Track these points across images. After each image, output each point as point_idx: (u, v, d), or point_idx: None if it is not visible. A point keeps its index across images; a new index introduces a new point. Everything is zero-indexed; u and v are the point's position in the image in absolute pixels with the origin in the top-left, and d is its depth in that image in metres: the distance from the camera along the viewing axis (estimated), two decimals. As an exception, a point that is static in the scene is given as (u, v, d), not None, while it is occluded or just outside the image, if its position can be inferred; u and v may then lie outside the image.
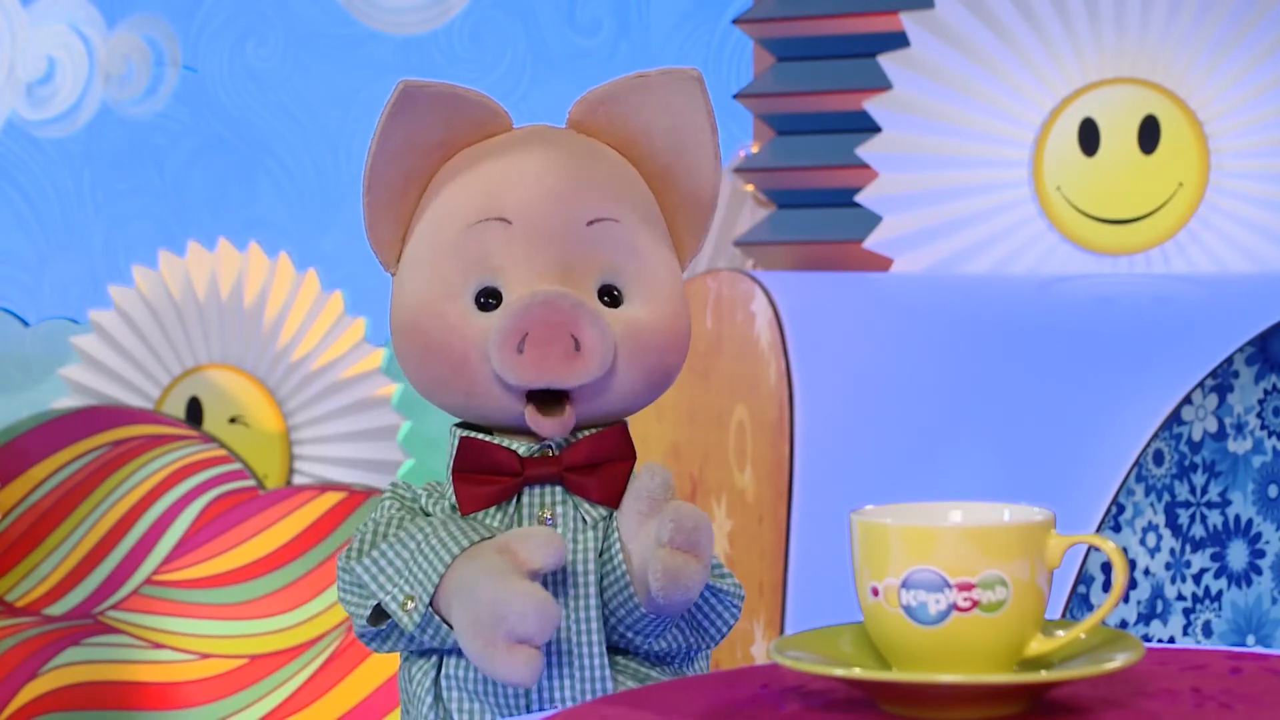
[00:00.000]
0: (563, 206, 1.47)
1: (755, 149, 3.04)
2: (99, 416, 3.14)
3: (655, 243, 1.51)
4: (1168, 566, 2.27)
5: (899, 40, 2.62)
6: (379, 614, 1.47)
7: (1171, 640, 2.28)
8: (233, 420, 3.39)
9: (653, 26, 3.92)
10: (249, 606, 2.98)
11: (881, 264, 2.64)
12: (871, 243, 2.63)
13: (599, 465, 1.48)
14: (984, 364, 2.40)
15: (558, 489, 1.48)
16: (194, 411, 3.40)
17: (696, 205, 1.55)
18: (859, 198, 2.63)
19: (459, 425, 1.52)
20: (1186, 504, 2.28)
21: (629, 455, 1.50)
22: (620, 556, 1.45)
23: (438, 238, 1.49)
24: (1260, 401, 2.31)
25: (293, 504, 3.02)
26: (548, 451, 1.48)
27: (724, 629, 1.51)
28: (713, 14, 3.89)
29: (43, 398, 3.55)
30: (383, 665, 2.92)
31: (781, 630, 2.40)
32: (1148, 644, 1.27)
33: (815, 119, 2.78)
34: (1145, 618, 2.26)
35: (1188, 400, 2.26)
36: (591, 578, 1.46)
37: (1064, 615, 2.19)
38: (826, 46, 2.77)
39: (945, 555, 1.17)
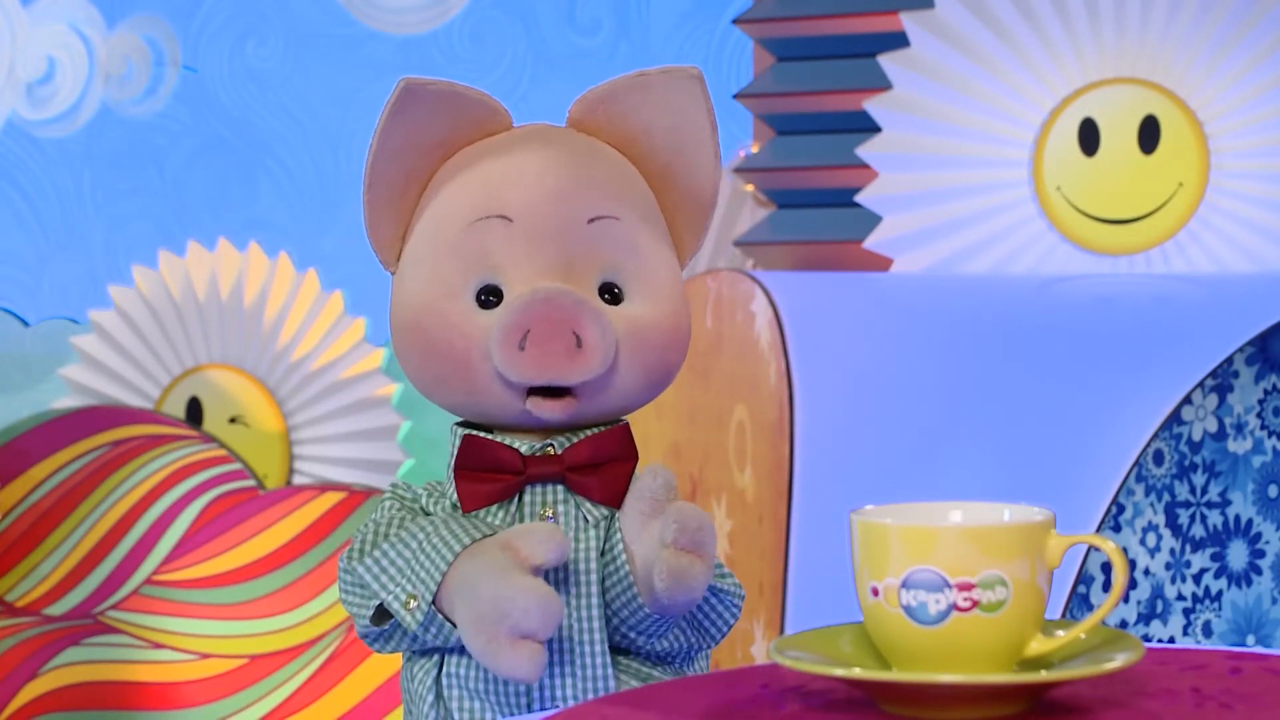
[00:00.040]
0: (563, 204, 1.47)
1: (755, 149, 3.04)
2: (99, 416, 3.14)
3: (655, 241, 1.51)
4: (1168, 566, 2.27)
5: (899, 40, 2.62)
6: (381, 614, 1.47)
7: (1171, 640, 2.28)
8: (233, 420, 3.39)
9: (653, 26, 3.92)
10: (249, 606, 2.98)
11: (881, 264, 2.64)
12: (871, 243, 2.63)
13: (601, 465, 1.48)
14: (984, 364, 2.40)
15: (559, 488, 1.48)
16: (194, 411, 3.40)
17: (696, 204, 1.55)
18: (859, 198, 2.63)
19: (460, 424, 1.52)
20: (1186, 504, 2.28)
21: (631, 456, 1.50)
22: (623, 557, 1.45)
23: (438, 236, 1.49)
24: (1260, 401, 2.31)
25: (293, 504, 3.02)
26: (549, 450, 1.48)
27: (725, 629, 1.51)
28: (713, 14, 3.89)
29: (43, 398, 3.55)
30: (383, 665, 2.92)
31: (781, 630, 2.40)
32: (1148, 644, 1.27)
33: (815, 119, 2.78)
34: (1145, 618, 2.26)
35: (1188, 400, 2.26)
36: (594, 576, 1.46)
37: (1064, 615, 2.19)
38: (826, 46, 2.77)
39: (945, 555, 1.17)
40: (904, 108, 2.61)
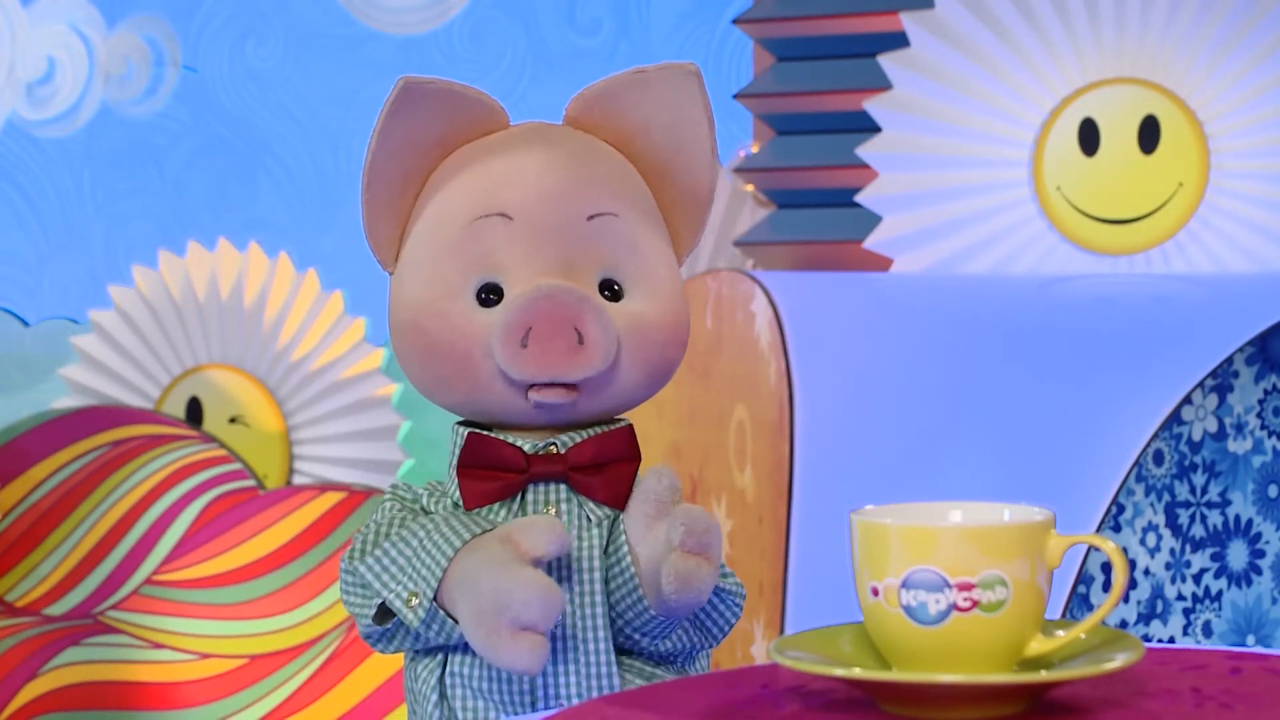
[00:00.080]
0: (562, 202, 1.48)
1: (755, 149, 3.04)
2: (99, 416, 3.14)
3: (654, 238, 1.51)
4: (1168, 566, 2.27)
5: (899, 40, 2.62)
6: (384, 613, 1.47)
7: (1171, 640, 2.28)
8: (233, 420, 3.39)
9: (653, 26, 3.92)
10: (249, 606, 2.98)
11: (881, 264, 2.64)
12: (871, 243, 2.63)
13: (604, 466, 1.48)
14: (984, 364, 2.40)
15: (562, 487, 1.48)
16: (194, 411, 3.40)
17: (694, 200, 1.55)
18: (859, 198, 2.63)
19: (461, 423, 1.52)
20: (1186, 504, 2.28)
21: (635, 457, 1.50)
22: (628, 559, 1.45)
23: (438, 235, 1.49)
24: (1260, 401, 2.31)
25: (293, 504, 3.02)
26: (553, 449, 1.48)
27: (726, 628, 1.51)
28: (713, 14, 3.89)
29: (43, 398, 3.55)
30: (383, 665, 2.92)
31: (781, 630, 2.40)
32: (1148, 644, 1.27)
33: (815, 119, 2.78)
34: (1145, 618, 2.26)
35: (1188, 400, 2.26)
36: (597, 575, 1.46)
37: (1064, 615, 2.19)
38: (826, 46, 2.77)
39: (945, 555, 1.17)
40: (904, 108, 2.61)
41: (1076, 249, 2.57)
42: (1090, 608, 2.21)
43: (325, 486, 3.04)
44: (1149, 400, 2.27)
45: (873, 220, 2.64)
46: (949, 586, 1.17)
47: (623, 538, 1.46)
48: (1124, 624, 2.25)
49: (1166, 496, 2.27)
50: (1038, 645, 1.20)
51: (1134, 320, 2.39)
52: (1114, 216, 2.57)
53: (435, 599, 1.43)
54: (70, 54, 4.02)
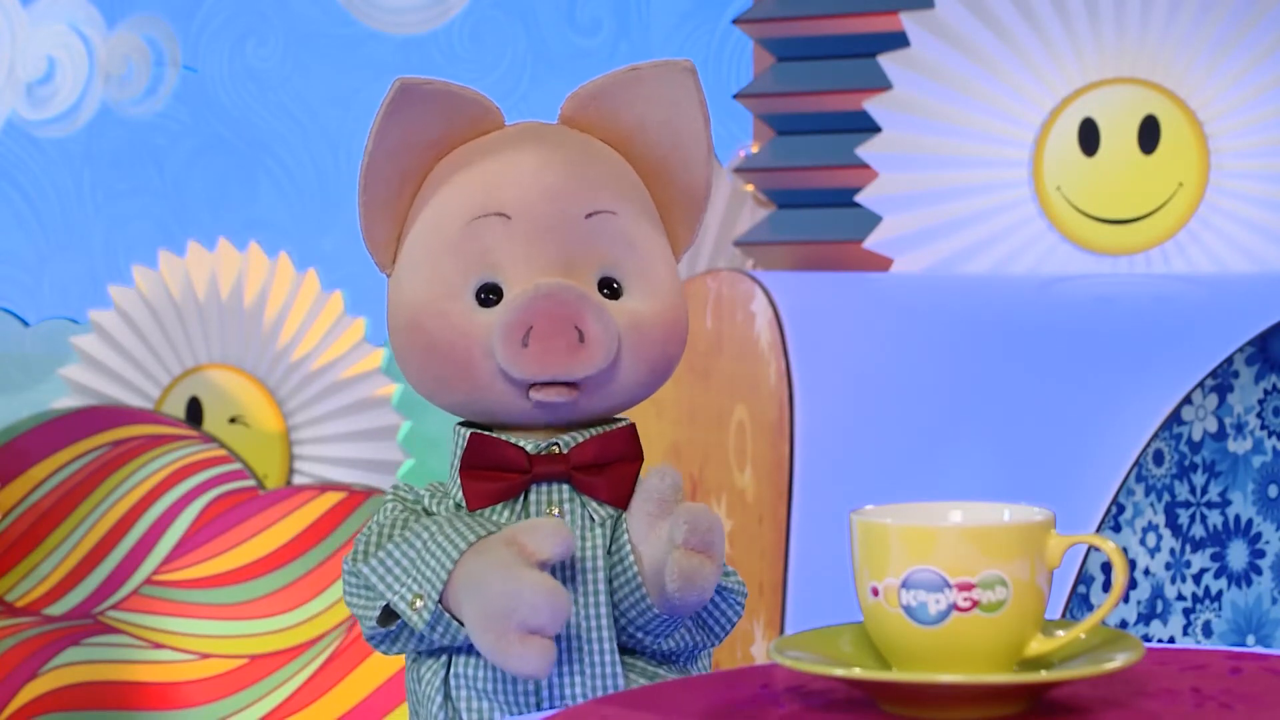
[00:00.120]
0: (561, 201, 1.48)
1: (755, 149, 3.04)
2: (99, 416, 3.14)
3: (652, 235, 1.51)
4: (1168, 566, 2.27)
5: (899, 40, 2.62)
6: (388, 615, 1.47)
7: (1171, 640, 2.28)
8: (233, 420, 3.39)
9: (653, 26, 3.92)
10: (249, 606, 2.98)
11: (881, 264, 2.64)
12: (871, 243, 2.63)
13: (607, 465, 1.48)
14: (984, 364, 2.40)
15: (565, 487, 1.48)
16: (194, 411, 3.40)
17: (690, 198, 1.55)
18: (859, 198, 2.63)
19: (463, 424, 1.52)
20: (1186, 504, 2.28)
21: (637, 456, 1.50)
22: (631, 558, 1.45)
23: (436, 236, 1.49)
24: (1260, 401, 2.31)
25: (293, 504, 3.02)
26: (555, 449, 1.48)
27: (729, 626, 1.51)
28: (713, 14, 3.89)
29: (43, 398, 3.55)
30: (383, 665, 2.92)
31: (781, 630, 2.40)
32: (1148, 644, 1.27)
33: (815, 119, 2.78)
34: (1145, 618, 2.26)
35: (1188, 400, 2.26)
36: (600, 574, 1.46)
37: (1064, 615, 2.19)
38: (826, 46, 2.77)
39: (945, 555, 1.17)
40: (904, 108, 2.61)
41: (1076, 249, 2.57)
42: (1090, 608, 2.21)
43: (325, 486, 3.04)
44: (1149, 400, 2.27)
45: (873, 220, 2.64)
46: (949, 586, 1.17)
47: (625, 537, 1.46)
48: (1124, 624, 2.25)
49: (1166, 496, 2.27)
50: (1038, 645, 1.20)
51: (1134, 320, 2.39)
52: (1114, 216, 2.57)
53: (440, 601, 1.42)
54: (70, 54, 4.02)
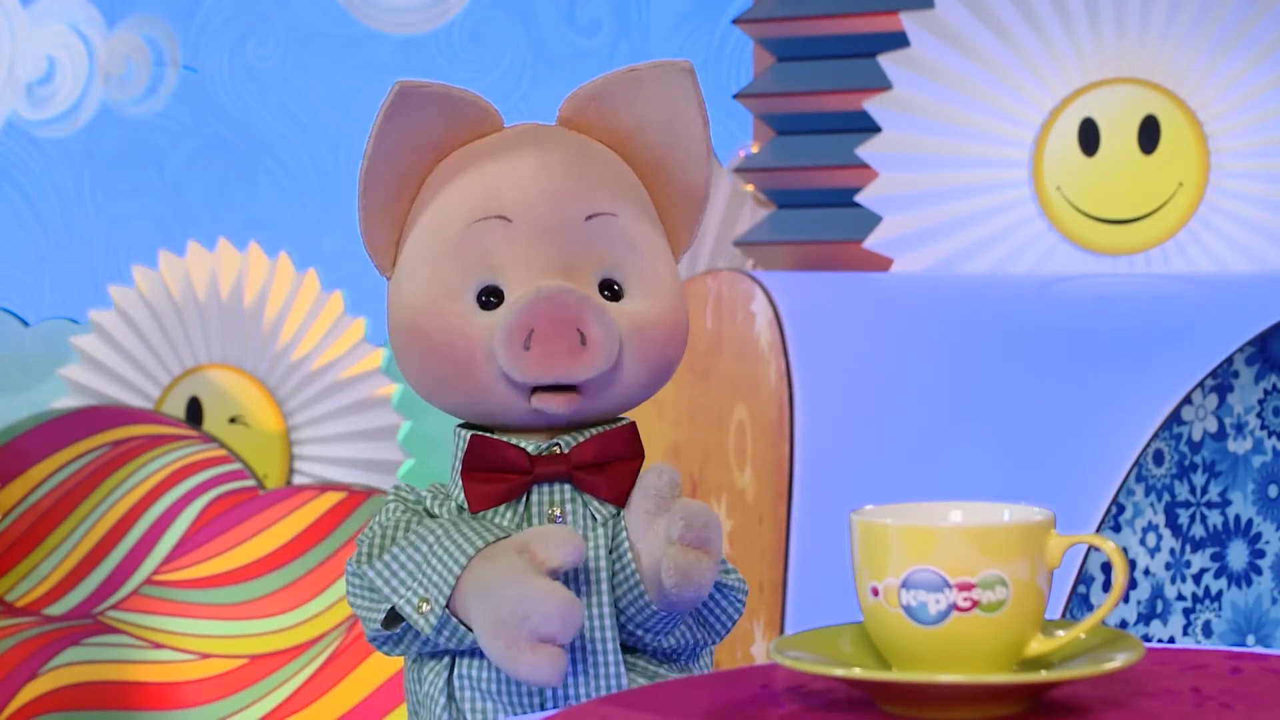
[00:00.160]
0: (561, 203, 1.48)
1: (755, 149, 3.04)
2: (99, 416, 3.14)
3: (652, 237, 1.51)
4: (1168, 566, 2.27)
5: (899, 40, 2.62)
6: (393, 617, 1.47)
7: (1171, 640, 2.28)
8: (233, 420, 3.39)
9: (653, 26, 3.92)
10: (249, 606, 2.98)
11: (881, 264, 2.64)
12: (871, 243, 2.63)
13: (607, 464, 1.48)
14: (984, 364, 2.40)
15: (566, 487, 1.48)
16: (194, 411, 3.40)
17: (689, 198, 1.55)
18: (859, 198, 2.63)
19: (463, 425, 1.52)
20: (1186, 504, 2.28)
21: (637, 454, 1.50)
22: (629, 555, 1.45)
23: (436, 238, 1.49)
24: (1260, 401, 2.31)
25: (293, 504, 3.02)
26: (556, 449, 1.48)
27: (729, 624, 1.51)
28: (713, 14, 3.89)
29: (43, 398, 3.55)
30: (383, 665, 2.92)
31: (781, 630, 2.40)
32: (1148, 644, 1.27)
33: (815, 119, 2.78)
34: (1145, 618, 2.26)
35: (1188, 400, 2.26)
36: (604, 575, 1.46)
37: (1064, 615, 2.19)
38: (826, 46, 2.77)
39: (945, 555, 1.17)
40: (904, 108, 2.61)
41: (1076, 249, 2.57)
42: (1090, 608, 2.21)
43: (325, 486, 3.04)
44: (1149, 400, 2.27)
45: (873, 220, 2.64)
46: (949, 586, 1.17)
47: (624, 534, 1.46)
48: (1124, 624, 2.25)
49: (1166, 496, 2.27)
50: (1038, 645, 1.20)
51: (1134, 320, 2.39)
52: (1114, 216, 2.57)
53: (448, 606, 1.42)
54: (70, 54, 4.02)
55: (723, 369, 2.59)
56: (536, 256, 1.47)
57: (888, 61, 2.60)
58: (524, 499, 1.48)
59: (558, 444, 1.48)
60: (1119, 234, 2.56)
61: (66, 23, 4.01)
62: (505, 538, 1.43)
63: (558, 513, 1.48)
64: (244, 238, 3.43)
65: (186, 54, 3.99)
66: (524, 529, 1.47)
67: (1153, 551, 2.26)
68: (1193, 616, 2.28)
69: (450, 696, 1.49)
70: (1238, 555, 2.30)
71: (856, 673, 1.19)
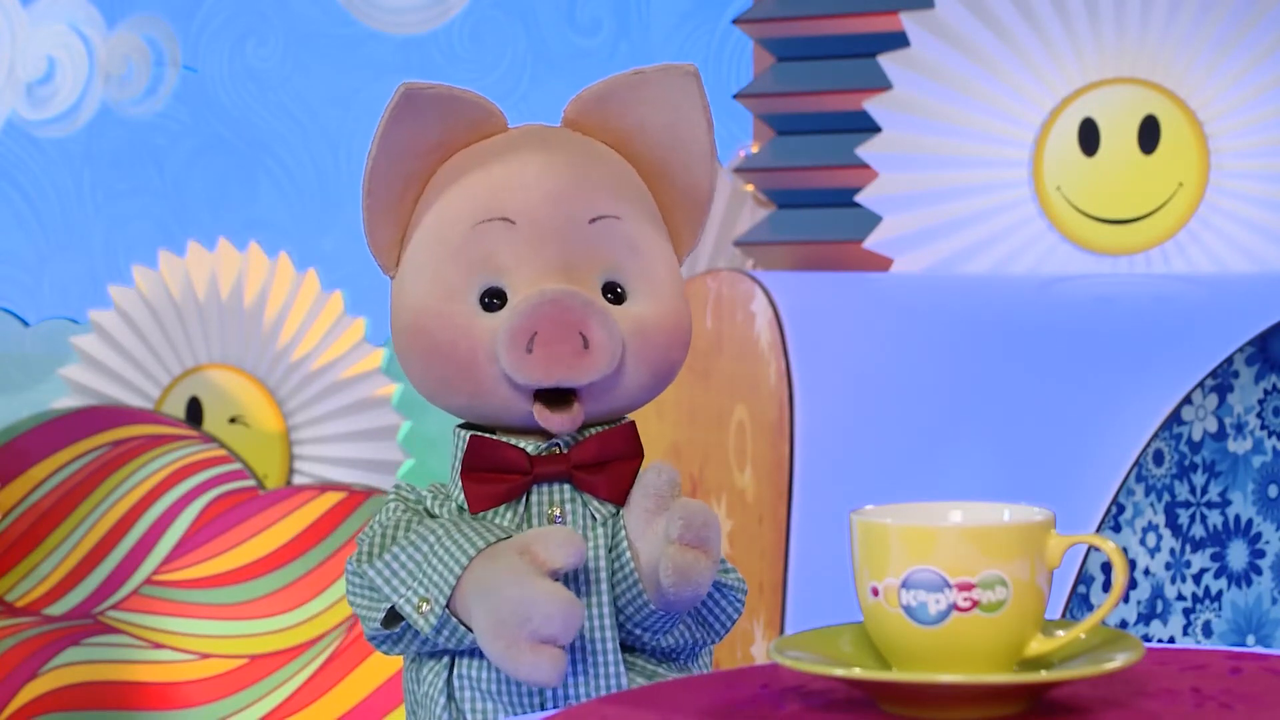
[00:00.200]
0: (565, 205, 1.48)
1: (755, 149, 3.04)
2: (99, 416, 3.14)
3: (655, 239, 1.52)
4: (1168, 566, 2.27)
5: (899, 40, 2.62)
6: (392, 617, 1.47)
7: (1171, 640, 2.28)
8: (233, 420, 3.39)
9: (653, 26, 3.92)
10: (249, 606, 2.98)
11: (881, 264, 2.64)
12: (871, 243, 2.63)
13: (607, 463, 1.48)
14: (984, 364, 2.40)
15: (566, 487, 1.48)
16: (194, 411, 3.40)
17: (693, 201, 1.55)
18: (859, 198, 2.63)
19: (463, 426, 1.52)
20: (1186, 504, 2.28)
21: (637, 454, 1.50)
22: (628, 554, 1.45)
23: (440, 239, 1.49)
24: (1260, 401, 2.31)
25: (293, 504, 3.02)
26: (556, 449, 1.48)
27: (729, 624, 1.51)
28: (713, 14, 3.89)
29: (43, 398, 3.55)
30: (383, 665, 2.92)
31: (781, 630, 2.40)
32: (1148, 644, 1.27)
33: (815, 119, 2.78)
34: (1145, 618, 2.26)
35: (1188, 400, 2.26)
36: (604, 574, 1.46)
37: (1064, 615, 2.19)
38: (826, 46, 2.77)
39: (945, 555, 1.17)
40: (904, 108, 2.61)
41: (1076, 249, 2.57)
42: (1090, 608, 2.21)
43: (325, 486, 3.04)
44: (1149, 400, 2.27)
45: (873, 220, 2.64)
46: (949, 586, 1.17)
47: (623, 533, 1.46)
48: (1124, 624, 2.25)
49: (1166, 496, 2.27)
50: (1038, 645, 1.20)
51: (1134, 320, 2.39)
52: (1114, 216, 2.57)
53: (448, 606, 1.42)
54: (70, 54, 4.02)
55: (723, 369, 2.59)
56: (540, 258, 1.47)
57: (888, 61, 2.60)
58: (524, 499, 1.48)
59: (557, 444, 1.48)
60: (1119, 234, 2.56)
61: (66, 23, 4.01)
62: (506, 538, 1.43)
63: (557, 513, 1.48)
64: (244, 238, 3.43)
65: (186, 54, 3.99)
66: (524, 529, 1.47)
67: (1153, 551, 2.26)
68: (1193, 616, 2.28)
69: (450, 696, 1.49)
70: (1238, 555, 2.30)
71: (856, 673, 1.19)
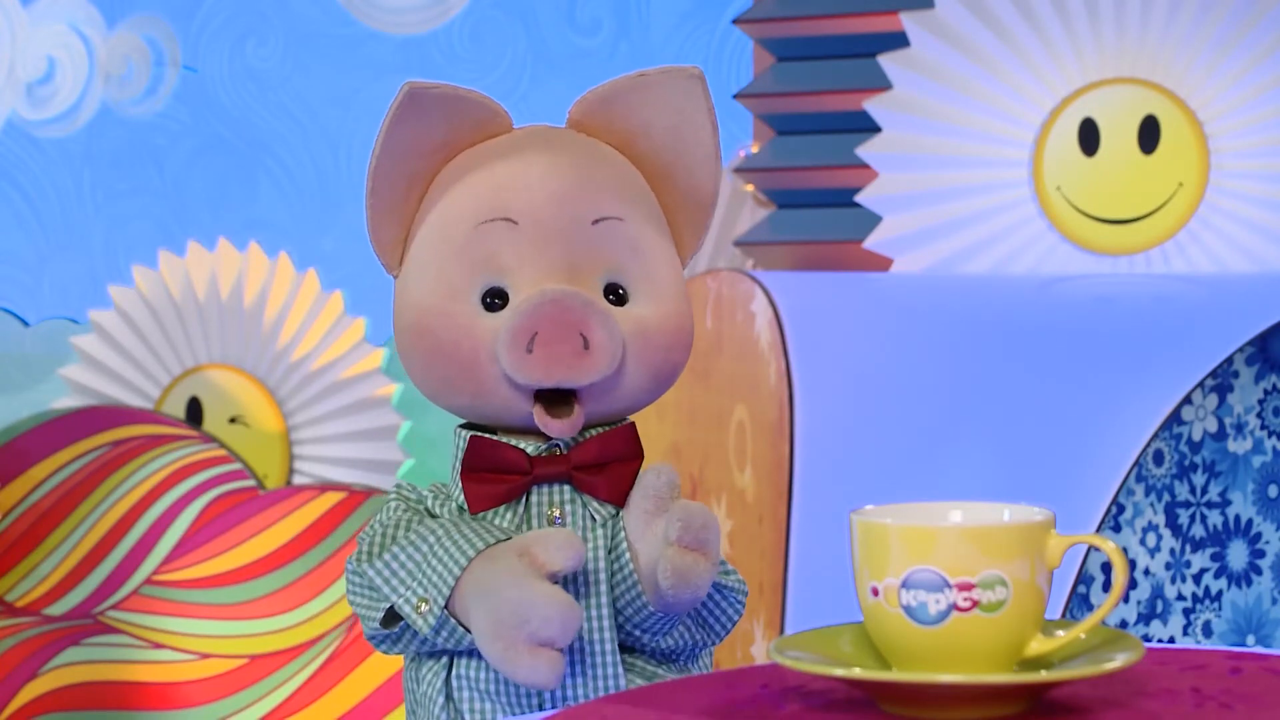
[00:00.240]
0: (567, 206, 1.48)
1: (755, 149, 3.04)
2: (99, 416, 3.15)
3: (658, 241, 1.52)
4: (1168, 566, 2.27)
5: (899, 40, 2.62)
6: (391, 617, 1.47)
7: (1171, 640, 2.28)
8: (233, 420, 3.39)
9: (653, 26, 3.92)
10: (249, 606, 2.98)
11: (881, 264, 2.64)
12: (871, 243, 2.63)
13: (607, 464, 1.48)
14: (984, 364, 2.40)
15: (566, 488, 1.48)
16: (194, 411, 3.40)
17: (697, 204, 1.55)
18: (859, 198, 2.63)
19: (464, 426, 1.52)
20: (1186, 504, 2.28)
21: (637, 455, 1.50)
22: (628, 555, 1.45)
23: (443, 239, 1.49)
24: (1260, 401, 2.31)
25: (293, 504, 3.02)
26: (556, 450, 1.48)
27: (729, 625, 1.51)
28: (713, 14, 3.89)
29: (43, 398, 3.55)
30: (383, 665, 2.92)
31: (781, 630, 2.40)
32: (1148, 644, 1.27)
33: (815, 119, 2.78)
34: (1145, 618, 2.26)
35: (1188, 400, 2.26)
36: (603, 575, 1.46)
37: (1064, 615, 2.19)
38: (826, 46, 2.77)
39: (945, 555, 1.17)
40: (904, 108, 2.61)
41: (1076, 249, 2.57)
42: (1090, 608, 2.21)
43: (325, 486, 3.04)
44: (1149, 400, 2.27)
45: (873, 220, 2.64)
46: (949, 586, 1.17)
47: (623, 534, 1.46)
48: (1124, 624, 2.25)
49: (1166, 496, 2.27)
50: (1038, 645, 1.20)
51: (1134, 320, 2.39)
52: (1114, 216, 2.57)
53: (447, 606, 1.43)
54: (70, 54, 4.02)
55: (723, 369, 2.59)
56: (542, 259, 1.47)
57: (888, 61, 2.60)
58: (523, 500, 1.48)
59: (557, 445, 1.48)
60: (1119, 234, 2.57)
61: (66, 23, 4.01)
62: (506, 540, 1.43)
63: (557, 513, 1.48)
64: (244, 238, 3.43)
65: (186, 54, 3.99)
66: (524, 530, 1.47)
67: (1153, 551, 2.26)
68: (1193, 616, 2.29)
69: (448, 696, 1.49)
70: (1238, 555, 2.30)
71: (856, 673, 1.19)
